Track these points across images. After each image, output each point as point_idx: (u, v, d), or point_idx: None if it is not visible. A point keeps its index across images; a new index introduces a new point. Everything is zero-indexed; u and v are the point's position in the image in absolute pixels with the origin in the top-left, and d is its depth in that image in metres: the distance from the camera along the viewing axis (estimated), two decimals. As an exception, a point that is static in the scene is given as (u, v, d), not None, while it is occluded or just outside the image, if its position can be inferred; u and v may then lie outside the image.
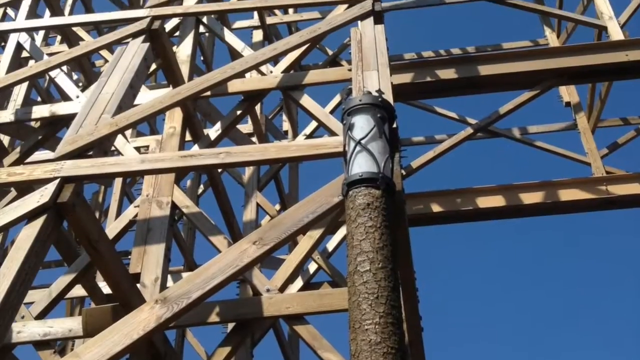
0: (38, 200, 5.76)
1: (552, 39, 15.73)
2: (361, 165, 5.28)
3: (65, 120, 9.46)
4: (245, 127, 12.50)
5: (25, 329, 7.41)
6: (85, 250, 6.53)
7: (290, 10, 15.89)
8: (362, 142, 5.37)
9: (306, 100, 8.69)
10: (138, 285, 6.95)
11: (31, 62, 11.29)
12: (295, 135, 14.38)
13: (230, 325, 7.54)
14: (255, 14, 14.15)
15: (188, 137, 9.16)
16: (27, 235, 5.57)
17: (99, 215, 13.52)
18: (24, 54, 11.21)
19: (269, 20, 14.87)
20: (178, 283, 5.50)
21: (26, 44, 10.91)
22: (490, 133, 13.94)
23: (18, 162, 9.53)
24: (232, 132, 9.71)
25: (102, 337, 5.24)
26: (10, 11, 14.33)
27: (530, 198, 9.22)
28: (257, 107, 12.08)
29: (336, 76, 9.06)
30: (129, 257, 7.61)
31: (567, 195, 9.21)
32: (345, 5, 8.82)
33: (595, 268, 26.85)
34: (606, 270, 26.71)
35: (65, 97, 10.04)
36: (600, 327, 26.25)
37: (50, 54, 11.41)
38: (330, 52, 15.70)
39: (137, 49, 8.22)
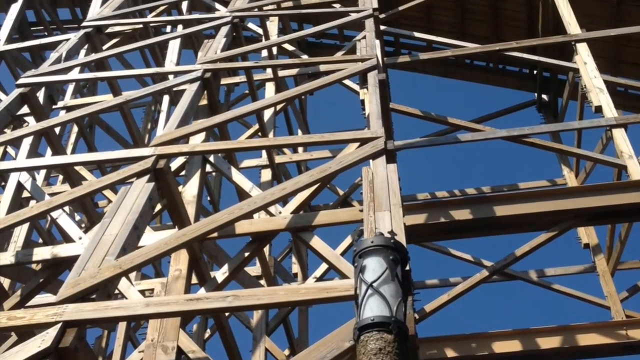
0: (39, 345, 5.80)
1: (570, 179, 15.93)
2: (373, 309, 5.33)
3: (68, 263, 9.52)
4: (254, 270, 12.54)
5: None
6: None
7: (300, 149, 16.06)
8: (374, 285, 5.44)
9: (316, 242, 8.71)
10: None
11: (32, 203, 11.35)
12: (305, 277, 14.40)
13: None
14: (264, 152, 14.27)
15: (194, 280, 9.21)
16: (29, 381, 5.60)
17: (101, 360, 13.46)
18: (25, 194, 11.31)
19: (278, 159, 15.00)
20: None
21: (27, 184, 11.01)
22: (507, 276, 14.02)
23: (19, 305, 9.52)
24: (240, 274, 9.74)
25: None
26: (10, 150, 14.62)
27: (548, 343, 9.21)
28: (266, 249, 12.14)
29: (347, 217, 9.04)
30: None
31: (586, 340, 9.20)
32: (357, 144, 8.93)
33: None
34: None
35: (68, 239, 10.10)
36: None
37: (51, 194, 11.56)
38: (341, 192, 15.88)
39: (141, 188, 8.31)
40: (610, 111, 12.89)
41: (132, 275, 12.35)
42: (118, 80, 13.99)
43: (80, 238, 9.56)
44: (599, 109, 13.10)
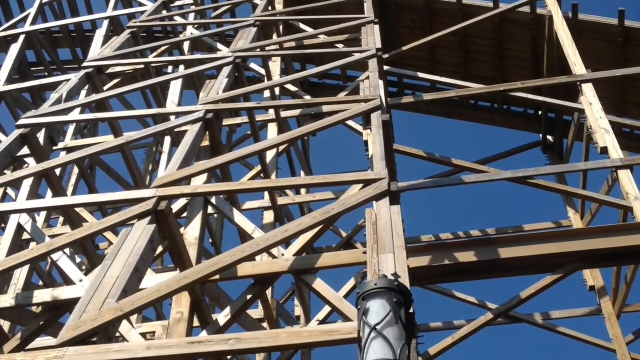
0: (39, 389, 5.83)
1: (575, 220, 15.98)
2: (376, 352, 5.36)
3: (68, 305, 9.53)
4: (256, 313, 12.55)
5: None
6: None
7: (303, 191, 16.10)
8: (378, 328, 5.47)
9: (319, 284, 8.72)
10: None
11: (32, 245, 11.40)
12: (307, 320, 14.41)
13: None
14: (266, 194, 14.30)
15: (196, 323, 9.23)
16: None
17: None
18: (25, 236, 11.34)
19: (281, 200, 15.03)
20: None
21: (27, 226, 11.05)
22: (512, 318, 14.04)
23: (19, 348, 9.53)
24: (242, 317, 9.76)
25: None
26: (10, 191, 14.68)
27: (554, 386, 9.21)
28: (268, 292, 12.14)
29: (350, 259, 9.04)
30: None
31: (593, 383, 9.21)
32: (360, 186, 8.98)
33: None
34: None
35: (68, 281, 10.12)
36: None
37: (52, 236, 11.61)
38: (344, 234, 15.91)
39: (142, 230, 8.33)
40: (616, 152, 12.96)
41: (134, 318, 12.36)
42: (119, 121, 14.06)
43: (81, 280, 9.60)
44: (604, 150, 13.18)
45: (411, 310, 5.79)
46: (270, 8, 17.81)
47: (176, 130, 12.52)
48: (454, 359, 16.06)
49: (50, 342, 8.83)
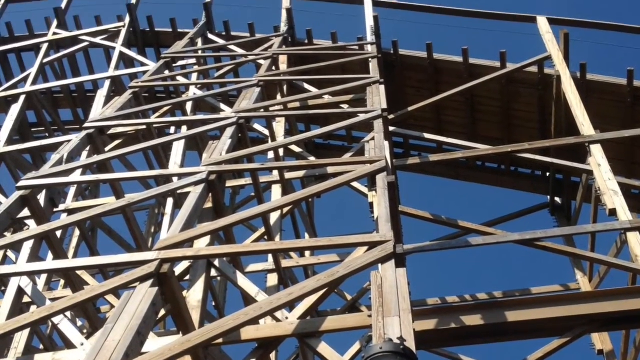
0: None
1: (583, 283, 16.02)
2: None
3: (69, 369, 9.56)
4: (259, 377, 12.55)
5: None
6: None
7: (307, 253, 16.06)
8: (383, 391, 5.53)
9: (324, 348, 8.72)
10: None
11: (33, 308, 11.41)
12: (312, 385, 14.38)
13: None
14: (270, 256, 14.28)
15: (198, 388, 9.24)
16: None
17: None
18: (26, 299, 11.37)
19: (285, 263, 14.97)
20: None
21: (28, 289, 11.08)
22: (520, 383, 13.97)
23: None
24: (245, 382, 9.78)
25: None
26: (10, 253, 14.74)
27: None
28: (272, 355, 12.15)
29: (355, 322, 9.02)
30: None
31: None
32: (365, 248, 9.03)
33: None
34: None
35: (69, 345, 10.13)
36: None
37: (53, 299, 11.63)
38: (349, 297, 15.91)
39: (144, 293, 8.35)
40: (624, 214, 13.05)
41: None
42: (121, 182, 14.12)
43: (82, 344, 9.62)
44: (613, 212, 13.26)
45: (417, 374, 5.85)
46: (273, 68, 17.97)
47: (179, 191, 12.60)
48: None
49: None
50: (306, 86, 17.64)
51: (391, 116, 15.93)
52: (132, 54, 21.07)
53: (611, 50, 19.74)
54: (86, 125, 14.43)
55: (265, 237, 13.87)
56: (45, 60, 21.23)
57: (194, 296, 10.11)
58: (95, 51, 22.35)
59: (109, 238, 16.95)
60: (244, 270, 13.86)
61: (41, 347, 13.59)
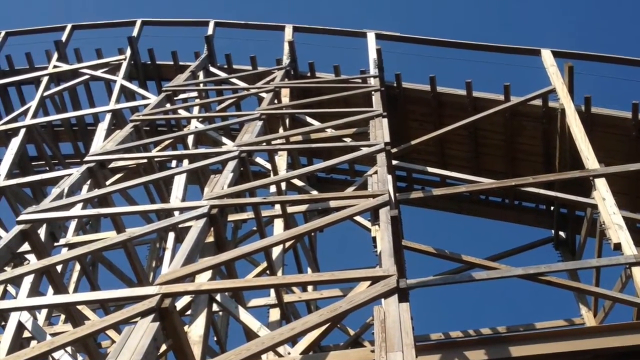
0: None
1: (588, 318, 16.02)
2: None
3: (69, 406, 9.57)
4: (260, 413, 12.54)
5: None
6: None
7: (309, 288, 16.10)
8: None
9: (326, 384, 8.77)
10: None
11: (33, 343, 11.43)
12: None
13: None
14: (272, 291, 14.27)
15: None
16: None
17: None
18: (26, 334, 11.38)
19: (287, 298, 14.97)
20: None
21: (28, 324, 11.11)
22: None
23: None
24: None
25: None
26: (10, 288, 14.75)
27: None
28: (273, 392, 12.15)
29: (358, 358, 8.96)
30: None
31: None
32: (368, 283, 9.02)
33: None
34: None
35: (69, 380, 10.18)
36: None
37: (53, 334, 11.66)
38: (352, 332, 15.93)
39: (146, 328, 8.35)
40: (629, 248, 13.07)
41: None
42: (122, 216, 14.15)
43: (82, 380, 9.66)
44: (618, 247, 13.28)
45: (420, 410, 5.89)
46: (276, 101, 18.03)
47: (180, 225, 12.62)
48: None
49: None
50: (309, 119, 17.72)
51: (394, 150, 15.97)
52: (133, 87, 21.15)
53: (616, 84, 19.79)
54: (87, 159, 14.43)
55: (268, 272, 13.88)
56: (45, 93, 21.28)
57: (195, 331, 10.12)
58: (96, 84, 22.48)
59: (110, 272, 16.96)
60: (246, 304, 13.85)
61: (41, 382, 13.58)
